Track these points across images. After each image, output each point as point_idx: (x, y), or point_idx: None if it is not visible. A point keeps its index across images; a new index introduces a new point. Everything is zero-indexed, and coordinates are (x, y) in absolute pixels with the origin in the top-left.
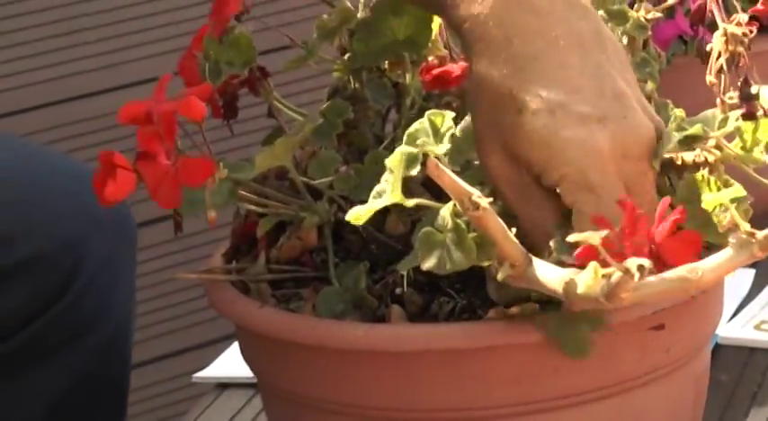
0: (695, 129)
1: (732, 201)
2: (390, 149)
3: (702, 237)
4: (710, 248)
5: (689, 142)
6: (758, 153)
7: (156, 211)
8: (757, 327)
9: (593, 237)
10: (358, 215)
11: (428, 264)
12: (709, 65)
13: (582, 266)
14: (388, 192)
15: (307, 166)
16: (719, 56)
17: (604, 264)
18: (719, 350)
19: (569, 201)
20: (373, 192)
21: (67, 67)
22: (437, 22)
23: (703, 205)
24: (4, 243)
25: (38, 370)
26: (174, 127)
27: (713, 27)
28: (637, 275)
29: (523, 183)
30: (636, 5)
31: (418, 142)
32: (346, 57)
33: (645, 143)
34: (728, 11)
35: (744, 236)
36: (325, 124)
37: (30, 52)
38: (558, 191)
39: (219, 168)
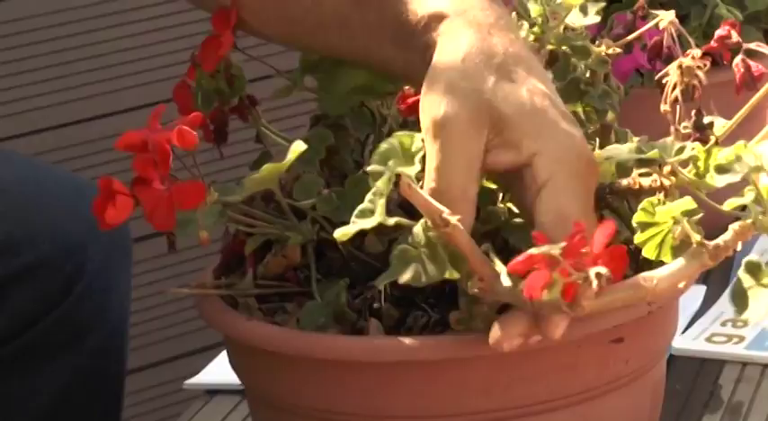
0: (653, 154)
1: (683, 213)
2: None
3: (660, 255)
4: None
5: (646, 165)
6: (710, 179)
7: (150, 228)
8: (709, 340)
9: (554, 249)
10: (345, 233)
11: (404, 277)
12: (664, 95)
13: (521, 275)
14: (376, 212)
15: (291, 189)
16: (675, 87)
17: (564, 274)
18: (674, 361)
19: (544, 176)
20: (356, 212)
21: (67, 93)
22: None
23: (657, 218)
24: (10, 249)
25: (42, 369)
26: (168, 155)
27: (669, 61)
28: (595, 282)
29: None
30: (597, 41)
31: (389, 163)
32: None
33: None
34: (683, 46)
35: (695, 246)
36: (308, 150)
37: (32, 80)
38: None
39: (210, 192)
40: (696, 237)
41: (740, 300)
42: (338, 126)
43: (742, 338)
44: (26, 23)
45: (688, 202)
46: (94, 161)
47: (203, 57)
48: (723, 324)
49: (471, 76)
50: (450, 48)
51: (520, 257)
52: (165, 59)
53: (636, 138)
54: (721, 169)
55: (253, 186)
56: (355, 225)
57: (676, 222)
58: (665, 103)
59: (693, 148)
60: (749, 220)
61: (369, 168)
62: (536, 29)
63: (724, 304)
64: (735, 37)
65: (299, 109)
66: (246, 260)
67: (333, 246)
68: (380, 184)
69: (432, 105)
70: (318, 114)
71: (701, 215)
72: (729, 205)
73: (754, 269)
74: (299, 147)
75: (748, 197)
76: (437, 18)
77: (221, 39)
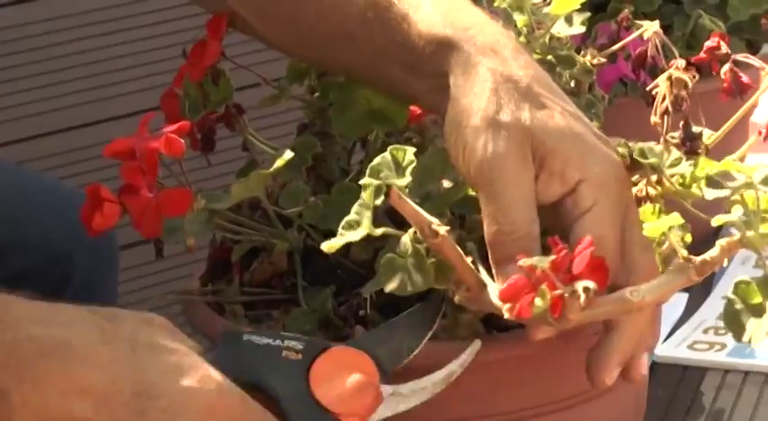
0: (653, 161)
1: (670, 228)
2: (356, 182)
3: None
4: None
5: (634, 171)
6: (696, 189)
7: (137, 236)
8: (690, 347)
9: (543, 262)
10: (332, 245)
11: (391, 286)
12: (654, 106)
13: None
14: (362, 224)
15: (278, 197)
16: (664, 99)
17: (552, 287)
18: (656, 368)
19: (588, 203)
20: (343, 223)
21: (56, 101)
22: None
23: (645, 233)
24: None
25: None
26: (155, 163)
27: (653, 71)
28: (583, 297)
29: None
30: (582, 51)
31: (381, 175)
32: (315, 95)
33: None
34: (667, 56)
35: (681, 261)
36: (295, 158)
37: (21, 88)
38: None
39: (197, 199)
40: (683, 253)
41: (735, 326)
42: (325, 134)
43: (724, 346)
44: (16, 31)
45: (675, 218)
46: (83, 169)
47: (190, 65)
48: (705, 331)
49: (507, 106)
50: (472, 80)
51: (507, 282)
52: (155, 68)
53: (620, 149)
54: (711, 183)
55: (240, 194)
56: (342, 237)
57: (664, 237)
58: (655, 115)
59: (691, 164)
60: (736, 237)
61: (361, 181)
62: (522, 38)
63: (706, 312)
64: (724, 48)
65: (285, 117)
66: (233, 267)
67: (319, 253)
68: (366, 196)
69: (475, 145)
70: (305, 122)
71: (687, 229)
72: (717, 222)
73: (743, 291)
74: (286, 155)
75: (735, 214)
76: (444, 45)
77: (208, 48)
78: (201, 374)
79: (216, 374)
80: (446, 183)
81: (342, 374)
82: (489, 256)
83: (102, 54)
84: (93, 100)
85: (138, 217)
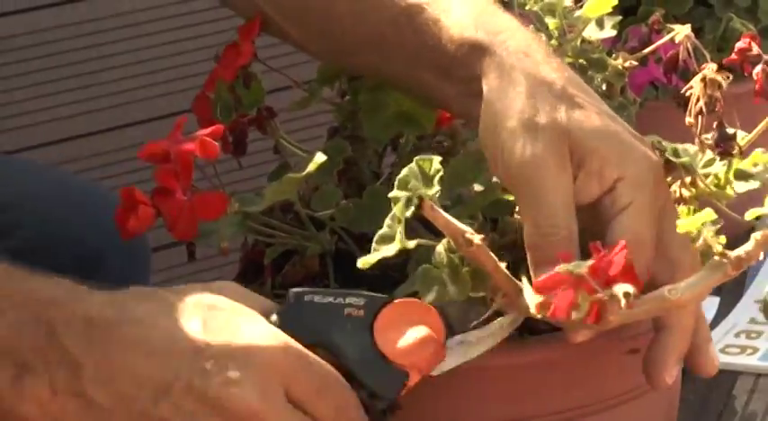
0: (686, 160)
1: (703, 224)
2: (387, 185)
3: None
4: None
5: (667, 173)
6: (730, 190)
7: (169, 237)
8: (722, 351)
9: (581, 267)
10: (367, 262)
11: (428, 298)
12: (688, 108)
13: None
14: (396, 238)
15: (310, 200)
16: (698, 100)
17: (591, 292)
18: (688, 372)
19: (625, 201)
20: (377, 237)
21: (88, 104)
22: None
23: (678, 229)
24: (30, 258)
25: None
26: (190, 166)
27: (684, 74)
28: (623, 301)
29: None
30: (614, 55)
31: (410, 186)
32: (345, 99)
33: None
34: (698, 60)
35: (717, 257)
36: (326, 161)
37: (54, 90)
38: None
39: (232, 202)
40: (718, 248)
41: None
42: (356, 137)
43: (756, 350)
44: (47, 35)
45: (709, 214)
46: (115, 171)
47: (222, 66)
48: (737, 335)
49: (543, 108)
50: (507, 84)
51: (545, 275)
52: (184, 70)
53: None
54: (741, 175)
55: (273, 197)
56: (377, 253)
57: (698, 233)
58: (690, 116)
59: (724, 164)
60: None
61: (391, 194)
62: (553, 41)
63: (737, 316)
64: (755, 49)
65: (315, 120)
66: (265, 270)
67: (351, 256)
68: (397, 210)
69: (513, 147)
70: (336, 126)
71: (721, 224)
72: (750, 215)
73: None
74: (319, 158)
75: None
76: (477, 49)
77: (241, 48)
78: (262, 333)
79: (278, 333)
80: (477, 187)
81: (405, 327)
82: (528, 259)
83: (130, 57)
84: (123, 103)
85: (172, 220)
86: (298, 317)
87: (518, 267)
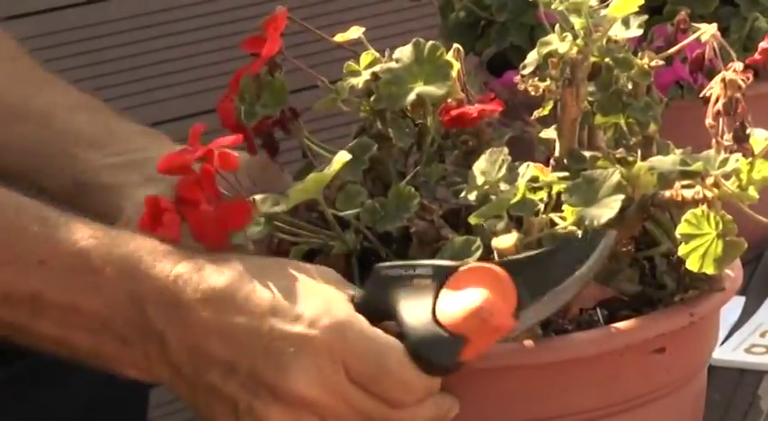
0: (696, 166)
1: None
2: (412, 184)
3: (703, 267)
4: (709, 279)
5: (688, 177)
6: (752, 191)
7: None
8: (748, 351)
9: None
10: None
11: None
12: (708, 108)
13: None
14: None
15: (335, 199)
16: (717, 100)
17: None
18: (713, 371)
19: None
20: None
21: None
22: (456, 68)
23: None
24: None
25: (68, 381)
26: (212, 177)
27: (711, 74)
28: None
29: None
30: (639, 54)
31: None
32: (372, 98)
33: None
34: (724, 59)
35: None
36: (352, 160)
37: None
38: None
39: (256, 208)
40: None
41: None
42: (381, 136)
43: None
44: (64, 36)
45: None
46: None
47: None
48: (762, 335)
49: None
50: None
51: None
52: (204, 71)
53: (678, 150)
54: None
55: (298, 197)
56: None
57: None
58: (709, 117)
59: (737, 160)
60: None
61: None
62: (579, 41)
63: (763, 315)
64: None
65: (338, 120)
66: None
67: (376, 255)
68: None
69: None
70: (362, 125)
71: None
72: None
73: None
74: (343, 157)
75: None
76: None
77: (268, 41)
78: (328, 313)
79: (342, 314)
80: (503, 186)
81: (468, 295)
82: None
83: (148, 58)
84: (141, 104)
85: (198, 230)
86: (375, 293)
87: None
